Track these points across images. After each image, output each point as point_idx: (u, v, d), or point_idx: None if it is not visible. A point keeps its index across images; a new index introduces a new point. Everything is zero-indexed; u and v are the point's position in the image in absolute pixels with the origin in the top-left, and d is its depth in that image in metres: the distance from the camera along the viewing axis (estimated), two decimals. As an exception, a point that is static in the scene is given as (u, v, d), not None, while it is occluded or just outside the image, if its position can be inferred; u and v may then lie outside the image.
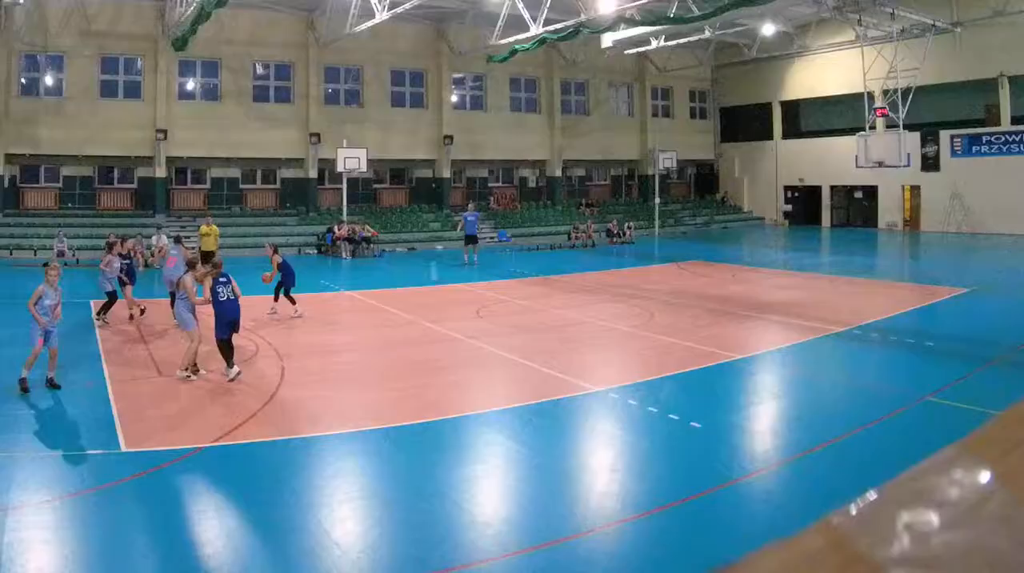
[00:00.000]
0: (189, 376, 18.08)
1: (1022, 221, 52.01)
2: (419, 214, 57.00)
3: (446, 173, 57.88)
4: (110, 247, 25.14)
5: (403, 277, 30.68)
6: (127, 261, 25.91)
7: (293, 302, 26.09)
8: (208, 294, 18.26)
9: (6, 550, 9.73)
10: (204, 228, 35.46)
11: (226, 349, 18.02)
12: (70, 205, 50.71)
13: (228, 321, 18.09)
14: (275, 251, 26.28)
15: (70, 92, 48.74)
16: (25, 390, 16.26)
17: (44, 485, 12.03)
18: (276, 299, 26.07)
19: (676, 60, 63.77)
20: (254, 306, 24.39)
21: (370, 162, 50.99)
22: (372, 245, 48.54)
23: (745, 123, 69.10)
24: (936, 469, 1.30)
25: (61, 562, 9.77)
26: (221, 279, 17.73)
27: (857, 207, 63.29)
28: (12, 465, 12.65)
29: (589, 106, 64.35)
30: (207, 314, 18.77)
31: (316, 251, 49.21)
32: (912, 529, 1.17)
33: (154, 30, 49.27)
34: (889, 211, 60.07)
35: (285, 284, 26.10)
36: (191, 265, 19.72)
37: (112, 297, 24.61)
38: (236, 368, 17.92)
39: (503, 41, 47.41)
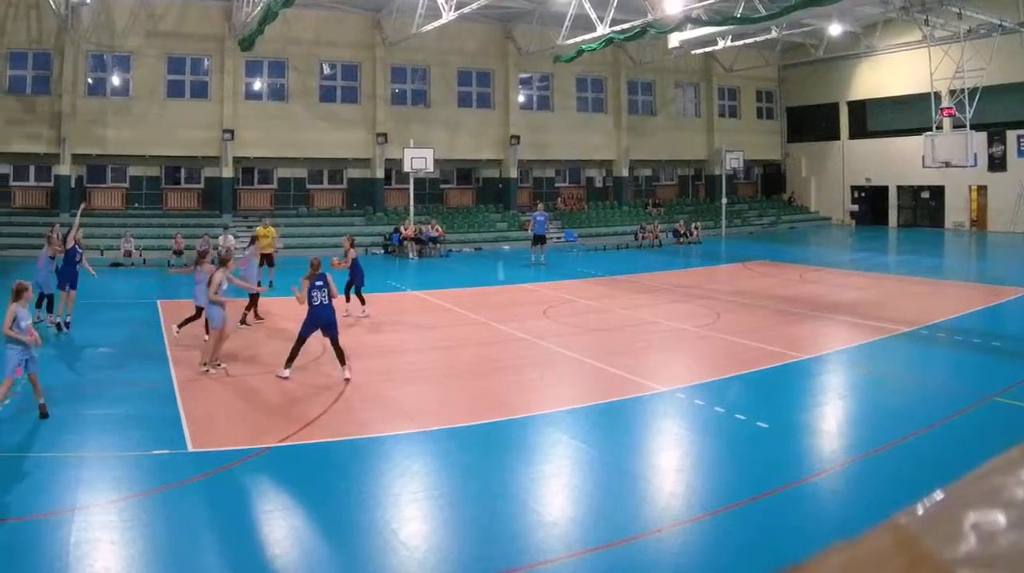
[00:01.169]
0: (208, 370, 18.47)
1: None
2: (486, 214, 56.75)
3: (513, 173, 57.56)
4: (201, 256, 22.49)
5: (470, 277, 30.78)
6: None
7: (363, 302, 26.22)
8: (304, 295, 18.28)
9: (73, 550, 9.76)
10: (261, 230, 33.42)
11: (297, 348, 18.13)
12: (137, 205, 51.01)
13: (319, 325, 18.14)
14: (352, 244, 26.68)
15: (137, 92, 49.03)
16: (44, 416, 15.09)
17: (111, 485, 12.04)
18: (348, 300, 26.02)
19: (742, 60, 62.82)
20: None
21: (437, 162, 50.65)
22: (439, 245, 48.57)
23: (812, 123, 68.20)
24: (1003, 469, 1.29)
25: (128, 563, 9.80)
26: (317, 283, 17.72)
27: (924, 207, 62.31)
28: (79, 465, 12.67)
29: (656, 106, 63.80)
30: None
31: (383, 251, 49.34)
32: (979, 529, 1.16)
33: (221, 30, 49.54)
34: (956, 211, 59.06)
35: (355, 283, 26.16)
36: (223, 262, 19.95)
37: (199, 313, 21.72)
38: (288, 371, 18.14)
39: (570, 41, 47.02)
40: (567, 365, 20.28)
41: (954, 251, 52.36)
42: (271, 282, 31.62)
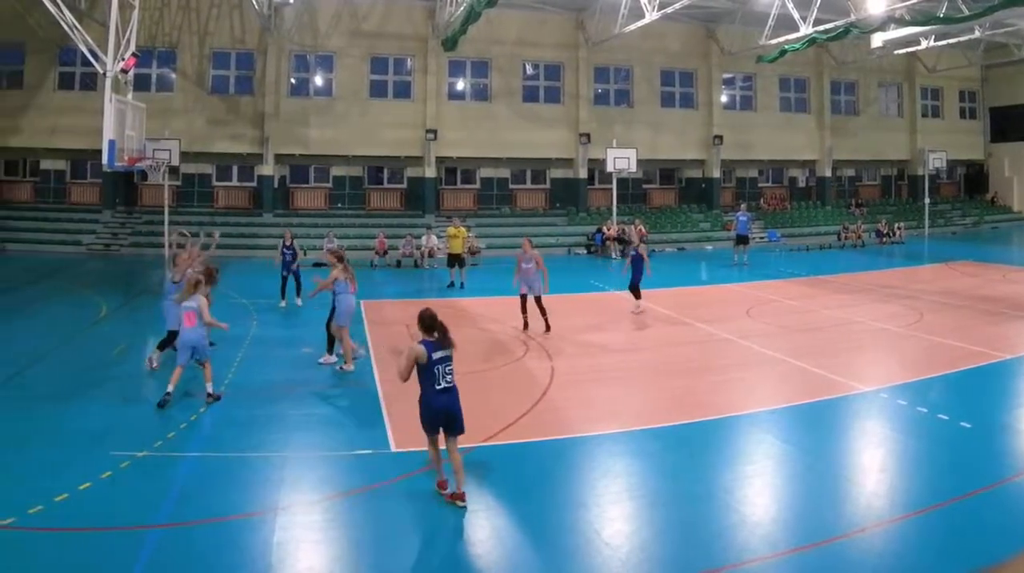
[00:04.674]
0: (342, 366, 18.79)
1: None
2: (688, 214, 54.92)
3: (716, 173, 55.53)
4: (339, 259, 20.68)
5: (673, 277, 30.05)
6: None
7: (637, 297, 26.44)
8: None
9: (276, 550, 9.82)
10: (452, 230, 34.25)
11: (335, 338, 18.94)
12: (339, 205, 50.39)
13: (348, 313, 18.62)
14: (340, 259, 25.12)
15: (339, 92, 48.62)
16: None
17: (314, 485, 12.08)
18: (637, 297, 26.46)
19: (945, 60, 59.88)
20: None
21: (640, 162, 49.03)
22: (643, 245, 45.18)
23: (1016, 123, 64.18)
24: None
25: (330, 562, 9.77)
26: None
27: None
28: (283, 465, 12.72)
29: (859, 106, 60.82)
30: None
31: (585, 251, 48.06)
32: None
33: (424, 30, 48.74)
34: None
35: (633, 278, 26.38)
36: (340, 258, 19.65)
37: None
38: (333, 357, 19.09)
39: (773, 41, 45.73)
40: (770, 365, 19.85)
41: None
42: (462, 283, 32.75)
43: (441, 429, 11.25)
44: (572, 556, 9.78)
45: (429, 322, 11.31)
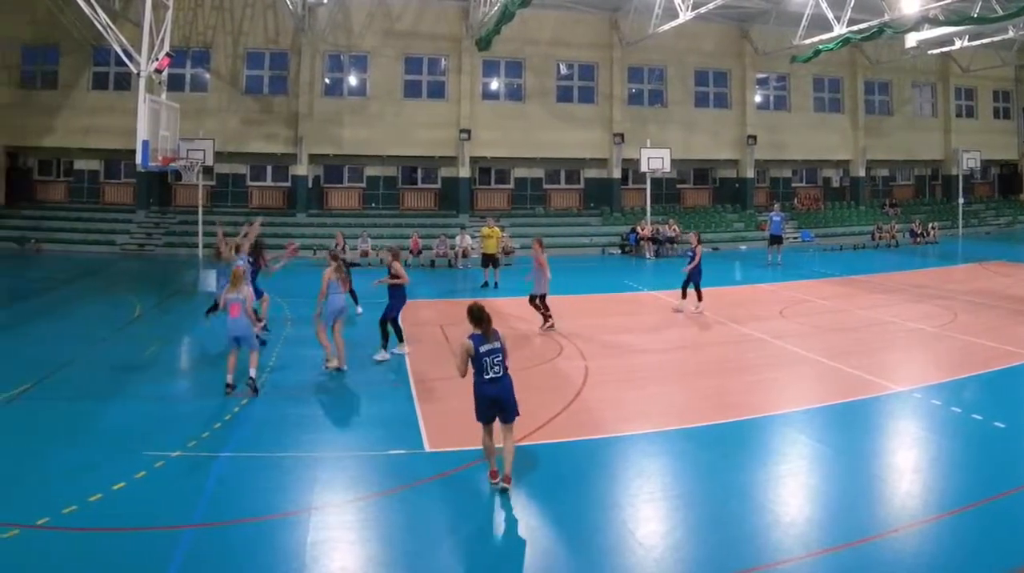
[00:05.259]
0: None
1: None
2: (722, 214, 54.45)
3: (750, 173, 54.91)
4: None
5: (706, 277, 28.69)
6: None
7: (699, 298, 26.48)
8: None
9: (310, 550, 9.75)
10: (486, 230, 34.17)
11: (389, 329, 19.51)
12: (373, 205, 49.99)
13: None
14: (700, 241, 27.05)
15: (373, 92, 48.35)
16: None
17: (348, 485, 12.03)
18: (700, 298, 26.47)
19: (979, 60, 58.61)
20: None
21: (673, 162, 48.48)
22: (675, 245, 46.08)
23: (1050, 123, 63.62)
24: None
25: (364, 562, 9.71)
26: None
27: None
28: (317, 465, 12.70)
29: (892, 106, 59.90)
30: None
31: (619, 251, 47.56)
32: None
33: (458, 30, 48.46)
34: None
35: (694, 279, 26.40)
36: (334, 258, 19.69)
37: None
38: (387, 353, 19.42)
39: (807, 41, 45.01)
40: (804, 365, 19.76)
41: None
42: (496, 283, 32.60)
43: (496, 417, 11.56)
44: (606, 556, 9.75)
45: (477, 315, 11.66)
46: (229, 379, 16.21)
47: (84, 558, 9.42)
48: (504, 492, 11.27)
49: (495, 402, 11.46)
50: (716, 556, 9.69)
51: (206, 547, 9.80)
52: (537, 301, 23.74)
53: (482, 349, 11.43)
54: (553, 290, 23.77)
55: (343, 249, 26.70)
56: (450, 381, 16.79)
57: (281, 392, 16.68)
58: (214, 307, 20.57)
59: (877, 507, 11.10)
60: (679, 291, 26.96)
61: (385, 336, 19.53)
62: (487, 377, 11.44)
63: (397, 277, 19.55)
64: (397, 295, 19.72)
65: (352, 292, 24.47)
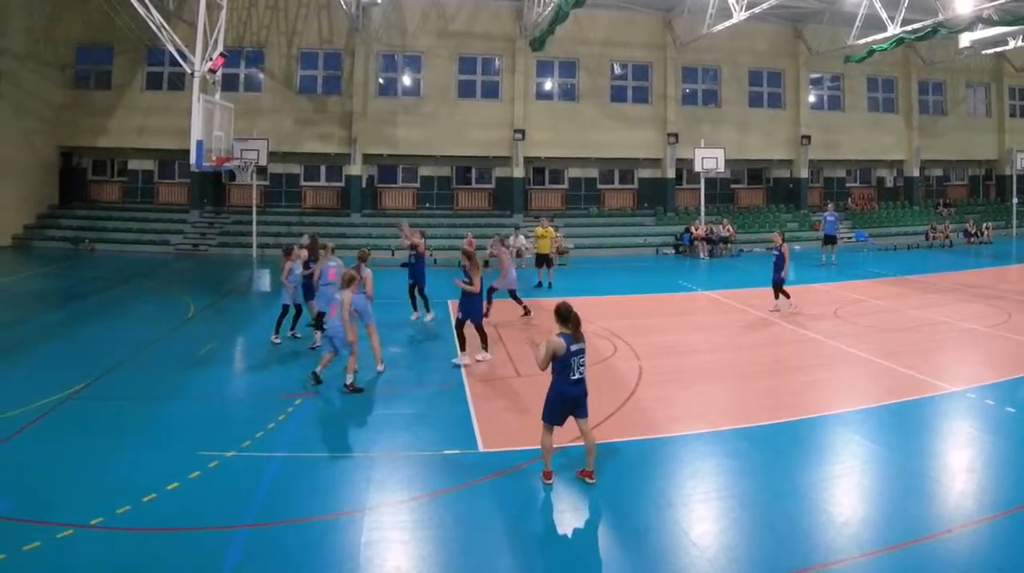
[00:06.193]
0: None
1: None
2: (776, 214, 53.34)
3: (803, 173, 53.87)
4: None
5: (760, 277, 29.31)
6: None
7: (787, 296, 26.30)
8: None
9: (364, 550, 9.70)
10: (540, 230, 33.33)
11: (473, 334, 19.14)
12: (427, 205, 49.36)
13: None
14: (784, 239, 26.92)
15: (427, 92, 47.87)
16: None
17: (401, 485, 11.87)
18: (787, 296, 26.29)
19: None
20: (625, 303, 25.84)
21: (727, 162, 47.65)
22: (729, 245, 45.71)
23: (1104, 122, 62.54)
24: None
25: (418, 563, 9.63)
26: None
27: None
28: (370, 465, 12.62)
29: (946, 106, 58.31)
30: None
31: (673, 251, 46.62)
32: None
33: (512, 30, 47.84)
34: None
35: (775, 277, 26.18)
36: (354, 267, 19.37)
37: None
38: (467, 357, 18.80)
39: (861, 41, 44.41)
40: (858, 365, 19.49)
41: None
42: (550, 283, 32.06)
43: (569, 415, 11.52)
44: (660, 556, 9.71)
45: (565, 314, 11.47)
46: (317, 369, 16.75)
47: (138, 558, 9.38)
48: (590, 486, 11.45)
49: (575, 403, 11.42)
50: (770, 556, 9.64)
51: (260, 547, 9.81)
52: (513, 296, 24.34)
53: (572, 348, 11.30)
54: (608, 290, 25.56)
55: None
56: (505, 381, 17.55)
57: (335, 392, 16.57)
58: (320, 317, 20.06)
59: (931, 507, 11.11)
60: (770, 290, 26.58)
61: (462, 340, 19.06)
62: (573, 378, 11.36)
63: (471, 283, 18.98)
64: (474, 300, 19.25)
65: (423, 295, 24.36)
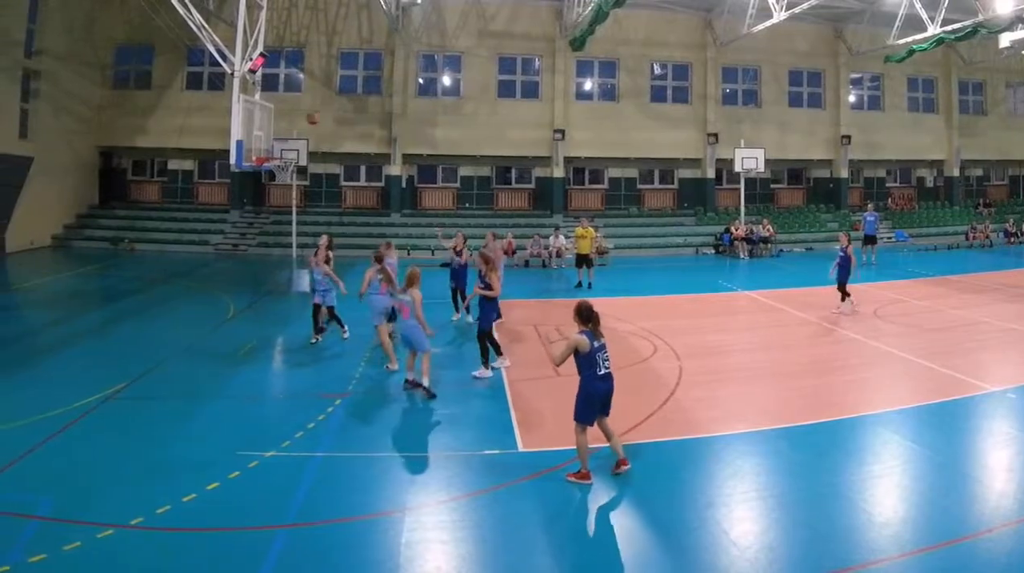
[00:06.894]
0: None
1: None
2: (816, 214, 52.80)
3: (844, 173, 53.10)
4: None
5: (800, 277, 30.15)
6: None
7: (848, 295, 26.09)
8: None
9: (404, 550, 9.70)
10: (580, 230, 32.78)
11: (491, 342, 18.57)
12: (467, 205, 48.96)
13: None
14: (850, 240, 26.76)
15: (467, 92, 47.56)
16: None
17: (441, 485, 11.85)
18: (848, 295, 26.05)
19: None
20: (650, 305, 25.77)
21: (767, 162, 47.06)
22: (769, 245, 45.02)
23: None
24: None
25: (458, 563, 9.56)
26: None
27: None
28: (410, 465, 12.64)
29: (986, 106, 57.16)
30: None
31: (713, 251, 46.15)
32: None
33: (551, 30, 47.43)
34: None
35: (841, 277, 25.97)
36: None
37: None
38: (488, 370, 18.12)
39: (901, 41, 44.06)
40: (897, 365, 19.43)
41: None
42: (590, 283, 31.66)
43: (599, 412, 11.77)
44: (700, 555, 9.69)
45: (587, 313, 11.75)
46: (409, 376, 16.55)
47: (178, 558, 9.39)
48: (618, 476, 11.75)
49: (605, 398, 11.69)
50: (810, 556, 9.59)
51: (300, 547, 9.79)
52: None
53: (595, 345, 11.59)
54: (647, 290, 25.90)
55: (460, 252, 24.59)
56: (544, 381, 17.49)
57: (375, 392, 16.67)
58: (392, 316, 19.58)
59: (971, 507, 10.99)
60: (834, 289, 26.43)
61: (484, 351, 18.44)
62: (600, 373, 11.60)
63: (490, 287, 18.69)
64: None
65: (464, 296, 23.96)
